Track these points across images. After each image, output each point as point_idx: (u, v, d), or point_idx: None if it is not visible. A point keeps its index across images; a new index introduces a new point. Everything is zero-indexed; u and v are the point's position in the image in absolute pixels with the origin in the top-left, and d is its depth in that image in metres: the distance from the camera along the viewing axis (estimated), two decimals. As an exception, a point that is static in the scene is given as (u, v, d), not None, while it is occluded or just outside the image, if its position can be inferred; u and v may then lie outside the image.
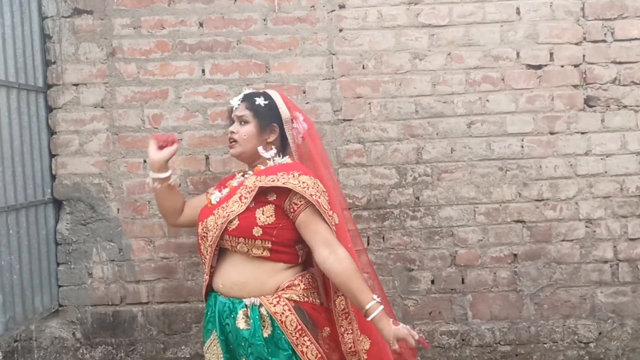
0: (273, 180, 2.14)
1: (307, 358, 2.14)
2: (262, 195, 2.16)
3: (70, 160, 3.28)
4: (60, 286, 3.30)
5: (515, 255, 3.31)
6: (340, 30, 3.27)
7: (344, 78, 3.28)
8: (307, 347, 2.14)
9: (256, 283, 2.16)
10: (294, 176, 2.14)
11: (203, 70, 3.26)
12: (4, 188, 2.89)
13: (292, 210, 2.15)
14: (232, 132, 2.28)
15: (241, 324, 2.14)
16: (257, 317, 2.13)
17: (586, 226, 3.31)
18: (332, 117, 3.28)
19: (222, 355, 2.19)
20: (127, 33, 3.26)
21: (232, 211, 2.15)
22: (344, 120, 3.28)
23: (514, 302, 3.32)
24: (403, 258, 3.30)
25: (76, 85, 3.27)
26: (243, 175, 2.33)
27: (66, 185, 3.28)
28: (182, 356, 3.31)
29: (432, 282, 3.31)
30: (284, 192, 2.14)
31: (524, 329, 3.32)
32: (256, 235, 2.13)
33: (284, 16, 3.26)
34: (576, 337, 3.33)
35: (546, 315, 3.32)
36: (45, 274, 3.22)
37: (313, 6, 3.26)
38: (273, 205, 2.15)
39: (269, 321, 2.13)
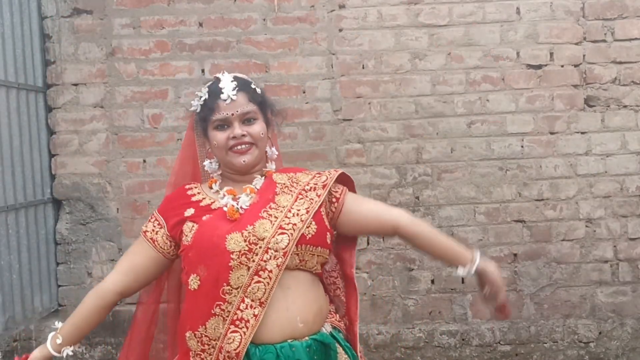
0: (324, 176, 1.74)
1: None
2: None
3: (69, 160, 3.28)
4: (59, 286, 3.30)
5: (515, 255, 3.31)
6: (340, 30, 3.27)
7: (343, 78, 3.27)
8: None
9: (323, 307, 1.70)
10: (310, 171, 1.80)
11: (203, 70, 3.25)
12: (3, 188, 2.89)
13: (334, 200, 1.73)
14: (244, 135, 1.67)
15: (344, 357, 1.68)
16: (345, 344, 1.72)
17: (586, 226, 3.31)
18: (332, 117, 3.28)
19: None
20: (126, 33, 3.25)
21: (307, 208, 1.65)
22: (344, 120, 3.28)
23: (514, 302, 3.32)
24: (403, 258, 3.30)
25: (76, 85, 3.26)
26: (210, 187, 1.75)
27: (66, 185, 3.28)
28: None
29: (432, 282, 3.31)
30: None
31: (524, 328, 3.32)
32: (328, 243, 1.68)
33: (284, 16, 3.26)
34: (576, 336, 3.33)
35: (546, 315, 3.32)
36: (45, 273, 3.21)
37: (313, 6, 3.26)
38: (324, 208, 1.73)
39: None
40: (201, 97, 1.73)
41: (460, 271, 1.76)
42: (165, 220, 1.71)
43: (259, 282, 1.57)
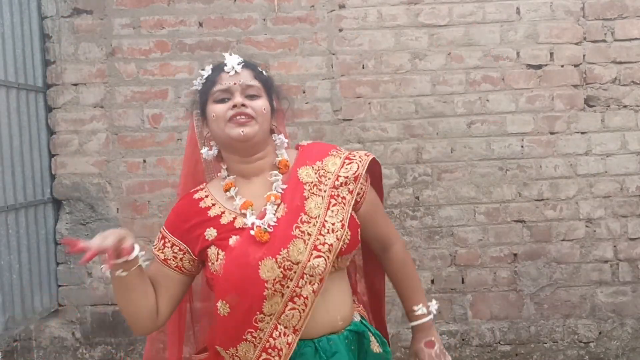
0: (353, 158, 1.62)
1: None
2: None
3: (69, 160, 3.28)
4: (59, 286, 3.30)
5: (515, 255, 3.31)
6: (340, 30, 3.27)
7: (343, 78, 3.27)
8: None
9: (351, 301, 1.66)
10: (334, 146, 1.67)
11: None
12: (3, 188, 2.89)
13: (359, 194, 1.60)
14: (243, 105, 1.54)
15: (375, 347, 1.65)
16: (375, 331, 1.70)
17: (586, 226, 3.31)
18: (332, 117, 3.28)
19: None
20: (126, 33, 3.25)
21: (342, 219, 1.53)
22: (344, 120, 3.28)
23: (514, 302, 3.32)
24: (403, 258, 3.29)
25: (76, 85, 3.26)
26: (226, 191, 1.60)
27: (66, 185, 3.28)
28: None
29: (432, 281, 3.31)
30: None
31: (524, 328, 3.32)
32: (359, 238, 1.60)
33: (284, 16, 3.26)
34: (576, 336, 3.33)
35: (546, 315, 3.32)
36: (45, 273, 3.21)
37: (313, 6, 3.26)
38: None
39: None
40: (203, 75, 1.66)
41: (411, 322, 1.71)
42: (187, 245, 1.57)
43: (293, 309, 1.48)
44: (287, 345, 1.49)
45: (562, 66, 3.28)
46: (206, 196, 1.60)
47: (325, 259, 1.48)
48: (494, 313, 3.32)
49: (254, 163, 1.59)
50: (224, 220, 1.54)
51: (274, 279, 1.46)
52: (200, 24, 3.26)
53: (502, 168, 3.29)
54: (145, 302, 1.59)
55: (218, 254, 1.51)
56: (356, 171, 1.58)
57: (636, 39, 3.27)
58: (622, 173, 3.30)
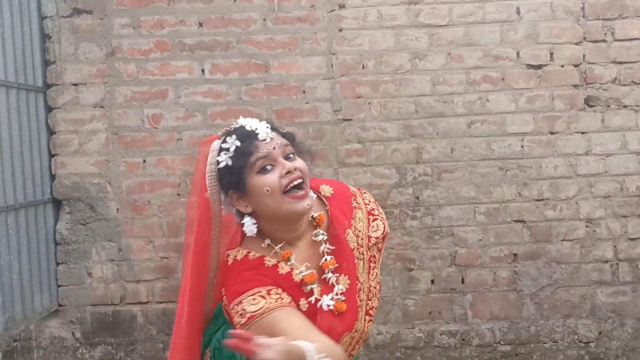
0: (373, 211, 1.62)
1: None
2: None
3: (69, 160, 3.28)
4: (59, 286, 3.30)
5: (515, 255, 3.31)
6: (340, 30, 3.27)
7: (343, 78, 3.27)
8: None
9: None
10: (359, 194, 1.63)
11: (203, 70, 3.25)
12: (3, 188, 2.89)
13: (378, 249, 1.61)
14: (295, 169, 1.45)
15: None
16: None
17: (586, 226, 3.31)
18: (332, 117, 3.27)
19: None
20: (126, 33, 3.25)
21: (378, 281, 1.57)
22: (344, 120, 3.28)
23: (514, 302, 3.32)
24: (403, 258, 3.30)
25: (75, 85, 3.26)
26: (286, 260, 1.50)
27: (66, 185, 3.28)
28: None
29: (432, 282, 3.31)
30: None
31: (524, 328, 3.32)
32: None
33: (284, 16, 3.26)
34: (576, 336, 3.33)
35: (546, 315, 3.32)
36: (45, 273, 3.21)
37: (313, 6, 3.26)
38: None
39: None
40: (229, 148, 1.46)
41: None
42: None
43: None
44: None
45: (562, 66, 3.28)
46: (287, 268, 1.48)
47: (373, 321, 1.53)
48: (494, 313, 3.32)
49: (300, 229, 1.51)
50: (306, 289, 1.47)
51: (344, 348, 1.47)
52: (200, 24, 3.26)
53: (502, 168, 3.29)
54: None
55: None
56: (383, 230, 1.59)
57: (636, 39, 3.27)
58: (622, 173, 3.30)
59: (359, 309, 1.47)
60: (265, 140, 1.45)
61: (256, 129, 1.46)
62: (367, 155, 3.28)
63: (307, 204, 1.45)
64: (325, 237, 1.50)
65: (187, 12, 3.26)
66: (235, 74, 3.25)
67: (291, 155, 1.48)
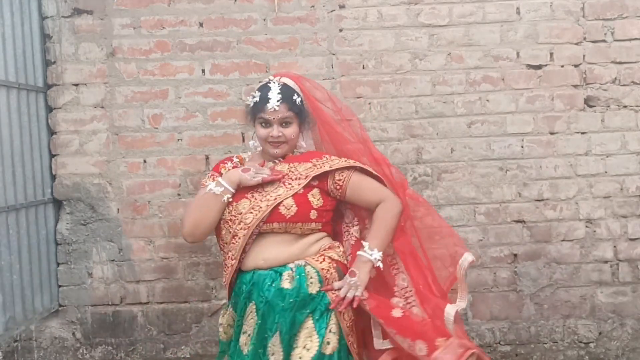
0: (321, 166, 2.23)
1: (343, 318, 2.18)
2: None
3: (70, 160, 3.28)
4: (60, 286, 3.30)
5: (515, 255, 3.31)
6: (340, 30, 3.27)
7: (344, 78, 3.28)
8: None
9: (300, 250, 2.23)
10: (328, 158, 2.28)
11: (203, 70, 3.26)
12: (4, 188, 2.89)
13: (337, 187, 2.25)
14: (279, 136, 2.24)
15: (285, 284, 2.16)
16: (302, 274, 2.18)
17: (586, 226, 3.31)
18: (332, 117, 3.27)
19: (257, 327, 2.17)
20: (127, 33, 3.25)
21: (278, 195, 2.18)
22: (344, 120, 3.27)
23: (514, 302, 3.32)
24: (403, 258, 3.30)
25: (76, 85, 3.26)
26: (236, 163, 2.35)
27: (66, 185, 3.28)
28: (182, 356, 3.31)
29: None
30: (323, 176, 2.24)
31: (524, 329, 3.32)
32: (312, 218, 2.21)
33: (284, 16, 3.26)
34: (576, 337, 3.33)
35: (546, 315, 3.32)
36: (45, 274, 3.21)
37: (313, 6, 3.26)
38: (318, 189, 2.23)
39: (316, 277, 2.19)
40: (254, 97, 2.27)
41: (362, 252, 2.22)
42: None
43: (234, 243, 2.22)
44: (232, 266, 2.23)
45: (562, 66, 3.28)
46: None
47: (254, 216, 2.18)
48: (494, 313, 3.32)
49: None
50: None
51: (224, 219, 2.25)
52: (201, 24, 3.26)
53: (502, 168, 3.29)
54: (214, 221, 2.26)
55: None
56: (309, 172, 2.24)
57: (636, 39, 3.27)
58: (622, 173, 3.30)
59: (250, 193, 2.22)
60: (271, 109, 2.22)
61: (270, 98, 2.23)
62: (367, 156, 3.27)
63: (276, 152, 2.27)
64: (276, 162, 2.30)
65: (187, 12, 3.26)
66: (236, 74, 3.26)
67: (287, 123, 2.25)
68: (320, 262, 2.21)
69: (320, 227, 2.26)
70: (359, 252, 2.21)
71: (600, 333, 3.32)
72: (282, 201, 2.18)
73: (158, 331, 3.32)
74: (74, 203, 3.28)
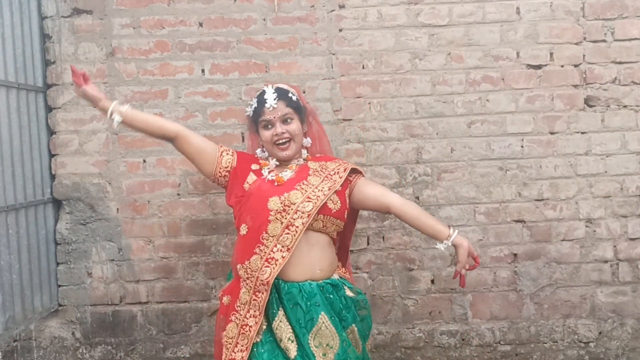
0: (346, 164, 2.40)
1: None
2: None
3: (70, 160, 3.28)
4: (59, 286, 3.30)
5: (515, 255, 3.31)
6: (340, 30, 3.27)
7: (343, 78, 3.27)
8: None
9: (334, 263, 2.38)
10: (342, 161, 2.46)
11: (203, 70, 3.26)
12: (3, 188, 2.89)
13: (349, 183, 2.39)
14: (284, 132, 2.31)
15: (350, 292, 2.34)
16: (350, 285, 2.39)
17: (586, 226, 3.31)
18: (332, 117, 3.28)
19: (336, 334, 2.26)
20: (126, 33, 3.25)
21: (329, 187, 2.29)
22: (344, 120, 3.28)
23: (514, 302, 3.32)
24: (403, 258, 3.30)
25: (76, 85, 3.26)
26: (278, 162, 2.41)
27: (66, 185, 3.28)
28: (182, 356, 3.31)
29: (432, 281, 3.31)
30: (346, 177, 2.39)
31: (524, 328, 3.32)
32: (345, 218, 2.35)
33: (284, 16, 3.26)
34: (576, 336, 3.33)
35: (546, 315, 3.32)
36: (45, 273, 3.21)
37: (313, 6, 3.26)
38: (348, 189, 2.39)
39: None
40: (252, 105, 2.37)
41: (439, 245, 2.36)
42: (237, 159, 2.39)
43: (287, 233, 2.23)
44: (282, 258, 2.23)
45: (562, 66, 3.28)
46: (261, 162, 2.43)
47: (313, 204, 2.24)
48: (494, 313, 3.32)
49: (285, 163, 2.40)
50: (263, 170, 2.39)
51: (276, 210, 2.25)
52: (200, 24, 3.26)
53: (502, 168, 3.29)
54: (149, 129, 2.37)
55: (253, 180, 2.34)
56: (346, 167, 2.40)
57: (636, 39, 3.27)
58: (622, 173, 3.30)
59: (294, 189, 2.27)
60: (269, 108, 2.31)
61: (267, 99, 2.32)
62: (367, 155, 3.28)
63: (286, 154, 2.34)
64: (300, 164, 2.40)
65: (187, 12, 3.26)
66: (236, 74, 3.26)
67: (288, 120, 2.33)
68: (348, 277, 2.46)
69: (335, 236, 2.40)
70: (456, 240, 2.34)
71: (600, 333, 3.32)
72: (331, 194, 2.29)
73: (158, 331, 3.32)
74: (74, 203, 3.28)
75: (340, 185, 2.31)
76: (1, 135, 2.89)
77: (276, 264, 2.22)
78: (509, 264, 3.31)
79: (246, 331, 2.24)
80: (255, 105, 2.35)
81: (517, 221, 3.30)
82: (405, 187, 3.29)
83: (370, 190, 2.39)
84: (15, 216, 2.98)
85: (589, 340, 3.32)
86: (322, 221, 2.28)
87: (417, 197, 3.29)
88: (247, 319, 2.25)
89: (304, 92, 3.26)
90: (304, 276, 2.26)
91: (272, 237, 2.23)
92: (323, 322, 2.24)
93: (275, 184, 2.30)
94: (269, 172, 2.35)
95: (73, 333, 3.30)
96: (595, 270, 3.31)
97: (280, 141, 2.32)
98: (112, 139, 3.27)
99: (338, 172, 2.34)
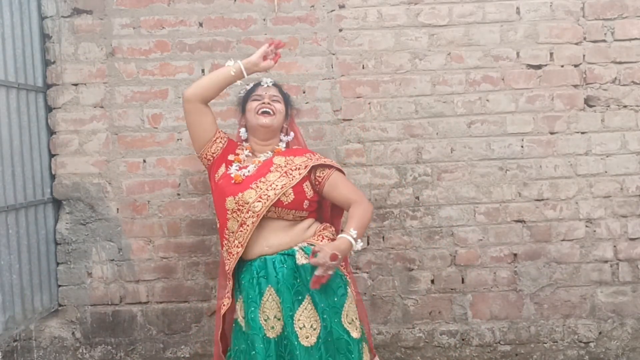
0: (317, 160, 2.52)
1: (352, 286, 2.54)
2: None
3: (69, 160, 3.28)
4: (59, 286, 3.30)
5: (515, 255, 3.31)
6: (340, 30, 3.27)
7: (343, 78, 3.27)
8: (347, 275, 2.55)
9: (298, 234, 2.49)
10: (315, 154, 2.58)
11: (203, 70, 3.25)
12: (3, 188, 2.89)
13: (316, 182, 2.53)
14: (269, 104, 2.52)
15: (301, 260, 2.40)
16: (309, 253, 2.39)
17: (586, 226, 3.31)
18: (332, 117, 3.28)
19: (280, 306, 2.40)
20: (126, 33, 3.25)
21: (284, 184, 2.44)
22: (344, 120, 3.28)
23: (514, 302, 3.32)
24: (403, 258, 3.30)
25: (76, 85, 3.26)
26: (251, 153, 2.60)
27: (66, 185, 3.28)
28: (182, 356, 3.31)
29: (432, 281, 3.31)
30: (311, 169, 2.53)
31: (524, 328, 3.32)
32: (305, 206, 2.50)
33: (284, 16, 3.26)
34: (576, 336, 3.33)
35: (546, 315, 3.32)
36: (45, 273, 3.21)
37: (313, 6, 3.26)
38: (308, 182, 2.51)
39: None
40: (248, 87, 2.63)
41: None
42: (223, 150, 2.59)
43: (241, 231, 2.44)
44: (237, 253, 2.45)
45: (562, 66, 3.28)
46: (240, 150, 2.62)
47: (262, 204, 2.42)
48: (494, 313, 3.32)
49: (265, 146, 2.60)
50: (238, 158, 2.58)
51: (232, 209, 2.46)
52: (200, 24, 3.26)
53: (502, 168, 3.29)
54: (215, 94, 2.59)
55: (220, 174, 2.56)
56: (307, 164, 2.51)
57: (636, 39, 3.27)
58: (622, 173, 3.30)
59: (249, 188, 2.44)
60: (264, 86, 2.60)
61: (263, 81, 2.63)
62: (367, 155, 3.28)
63: (266, 121, 2.52)
64: (270, 154, 2.58)
65: (187, 12, 3.26)
66: (235, 74, 3.25)
67: (277, 100, 2.57)
68: (321, 241, 2.46)
69: (307, 215, 2.53)
70: (341, 235, 2.40)
71: (600, 333, 3.32)
72: (285, 191, 2.43)
73: (158, 331, 3.32)
74: (74, 203, 3.28)
75: (298, 182, 2.45)
76: (1, 135, 2.88)
77: (232, 258, 2.47)
78: (509, 264, 3.31)
79: (220, 308, 2.56)
80: (251, 86, 2.62)
81: (517, 221, 3.30)
82: (405, 187, 3.29)
83: (339, 192, 2.54)
84: (15, 216, 2.98)
85: (589, 340, 3.32)
86: (276, 212, 2.45)
87: (417, 197, 3.29)
88: (223, 299, 2.57)
89: (303, 92, 3.27)
90: (257, 255, 2.46)
91: (232, 233, 2.46)
92: (270, 295, 2.41)
93: (233, 181, 2.47)
94: (239, 167, 2.52)
95: (73, 333, 3.30)
96: (595, 270, 3.31)
97: (264, 109, 2.51)
98: (112, 139, 3.27)
99: (299, 169, 2.48)
